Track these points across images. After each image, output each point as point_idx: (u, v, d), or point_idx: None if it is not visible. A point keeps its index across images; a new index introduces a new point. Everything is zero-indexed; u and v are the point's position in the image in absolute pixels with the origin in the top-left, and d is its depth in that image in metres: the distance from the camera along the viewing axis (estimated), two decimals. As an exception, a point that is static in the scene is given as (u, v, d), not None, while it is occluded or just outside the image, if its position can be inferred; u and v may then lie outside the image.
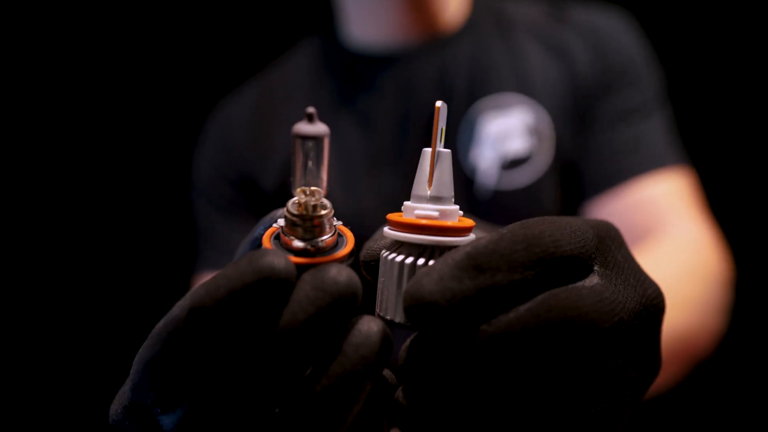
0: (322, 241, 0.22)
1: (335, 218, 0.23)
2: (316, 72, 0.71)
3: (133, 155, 1.06)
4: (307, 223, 0.22)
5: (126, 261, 1.06)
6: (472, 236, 0.23)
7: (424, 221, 0.23)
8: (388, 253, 0.23)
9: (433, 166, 0.24)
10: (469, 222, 0.24)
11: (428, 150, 0.24)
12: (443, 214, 0.23)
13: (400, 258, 0.23)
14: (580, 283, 0.20)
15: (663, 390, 0.53)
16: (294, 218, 0.22)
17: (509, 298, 0.19)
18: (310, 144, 0.21)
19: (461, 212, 0.24)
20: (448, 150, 0.24)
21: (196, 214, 0.72)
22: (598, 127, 0.64)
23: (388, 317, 0.23)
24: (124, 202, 1.07)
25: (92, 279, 1.05)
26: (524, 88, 0.64)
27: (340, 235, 0.23)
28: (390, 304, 0.23)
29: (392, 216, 0.24)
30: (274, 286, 0.19)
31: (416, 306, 0.19)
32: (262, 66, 0.76)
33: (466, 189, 0.62)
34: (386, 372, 0.23)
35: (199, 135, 0.75)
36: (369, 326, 0.20)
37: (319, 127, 0.21)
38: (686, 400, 0.57)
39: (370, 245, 0.26)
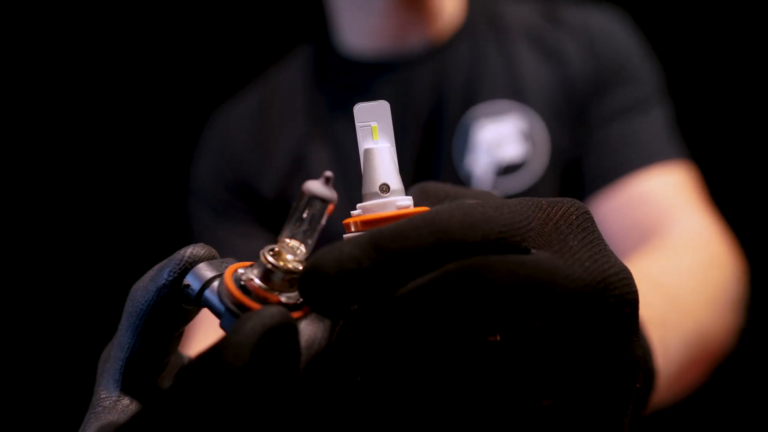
0: (286, 296, 0.22)
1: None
2: (313, 79, 0.72)
3: (131, 159, 1.08)
4: (287, 276, 0.21)
5: (125, 264, 1.07)
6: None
7: (348, 220, 0.23)
8: None
9: (361, 166, 0.24)
10: (396, 212, 0.23)
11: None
12: (364, 209, 0.23)
13: None
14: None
15: (687, 393, 0.51)
16: (274, 269, 0.21)
17: (410, 275, 0.18)
18: (316, 204, 0.21)
19: (405, 202, 0.23)
20: (381, 145, 0.24)
21: (194, 218, 0.73)
22: (596, 125, 0.64)
23: None
24: (123, 206, 1.08)
25: (90, 281, 1.06)
26: (518, 94, 0.65)
27: (300, 305, 0.23)
28: None
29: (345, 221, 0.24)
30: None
31: (309, 275, 0.18)
32: (259, 72, 0.78)
33: (462, 195, 0.62)
34: None
35: (197, 140, 0.76)
36: None
37: (331, 193, 0.21)
38: (695, 398, 0.57)
39: None
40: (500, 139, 0.63)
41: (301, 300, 0.22)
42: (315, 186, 0.21)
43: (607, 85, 0.65)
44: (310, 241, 0.22)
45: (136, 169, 1.09)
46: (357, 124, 0.24)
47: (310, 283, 0.18)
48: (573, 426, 0.19)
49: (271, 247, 0.22)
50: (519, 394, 0.19)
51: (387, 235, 0.18)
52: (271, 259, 0.21)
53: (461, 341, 0.18)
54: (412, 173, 0.64)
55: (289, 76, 0.74)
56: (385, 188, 0.24)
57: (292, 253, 0.22)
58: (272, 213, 0.68)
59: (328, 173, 0.21)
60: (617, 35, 0.67)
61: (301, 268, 0.22)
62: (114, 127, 1.08)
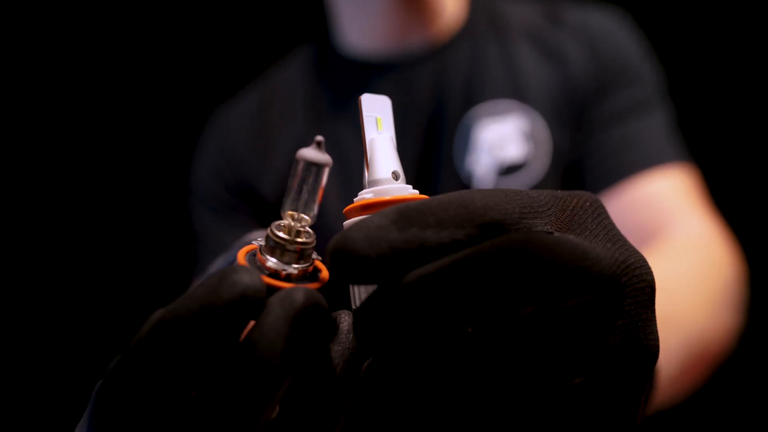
0: (294, 268, 0.22)
1: (315, 252, 0.23)
2: (313, 79, 0.72)
3: (131, 160, 1.08)
4: (288, 248, 0.22)
5: (125, 266, 1.07)
6: None
7: (358, 203, 0.23)
8: None
9: (366, 153, 0.24)
10: (416, 196, 0.23)
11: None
12: (377, 193, 0.23)
13: None
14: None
15: (686, 396, 0.52)
16: (275, 240, 0.22)
17: (440, 254, 0.18)
18: (312, 170, 0.21)
19: (415, 191, 0.24)
20: (385, 134, 0.25)
21: (194, 218, 0.72)
22: (597, 127, 0.64)
23: (354, 307, 0.23)
24: (124, 207, 1.08)
25: (91, 283, 1.07)
26: (519, 94, 0.64)
27: (316, 269, 0.23)
28: (353, 292, 0.23)
29: (345, 209, 0.24)
30: (244, 305, 0.19)
31: (340, 254, 0.18)
32: (259, 72, 0.78)
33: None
34: None
35: (197, 140, 0.76)
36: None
37: (325, 156, 0.21)
38: (695, 399, 0.57)
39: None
40: (501, 139, 0.63)
41: (312, 268, 0.23)
42: (309, 152, 0.21)
43: (608, 86, 0.65)
44: (312, 210, 0.22)
45: (136, 170, 1.09)
46: (363, 113, 0.24)
47: (342, 260, 0.18)
48: (598, 407, 0.19)
49: (276, 222, 0.22)
50: (556, 369, 0.19)
51: (415, 209, 0.18)
52: (280, 234, 0.22)
53: (500, 314, 0.18)
54: (413, 174, 0.64)
55: (289, 76, 0.74)
56: (396, 175, 0.24)
57: (299, 222, 0.22)
58: (273, 214, 0.68)
59: (319, 138, 0.21)
60: (618, 36, 0.67)
61: (305, 240, 0.22)
62: (114, 128, 1.08)
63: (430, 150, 0.65)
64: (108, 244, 1.09)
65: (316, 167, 0.22)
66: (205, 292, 0.19)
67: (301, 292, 0.19)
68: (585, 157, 0.64)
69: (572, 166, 0.64)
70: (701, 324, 0.49)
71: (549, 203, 0.20)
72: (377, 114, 0.25)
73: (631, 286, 0.19)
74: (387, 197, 0.23)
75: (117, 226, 1.09)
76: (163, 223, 1.06)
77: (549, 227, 0.20)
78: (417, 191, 0.24)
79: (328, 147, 0.69)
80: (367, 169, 0.24)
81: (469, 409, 0.19)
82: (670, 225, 0.57)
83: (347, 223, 0.23)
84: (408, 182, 0.24)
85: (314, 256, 0.23)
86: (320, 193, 0.22)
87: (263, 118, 0.72)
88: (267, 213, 0.68)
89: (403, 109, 0.66)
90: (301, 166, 0.21)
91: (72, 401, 1.04)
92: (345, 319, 0.22)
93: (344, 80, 0.70)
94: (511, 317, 0.18)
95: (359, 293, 0.22)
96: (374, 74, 0.68)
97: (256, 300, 0.19)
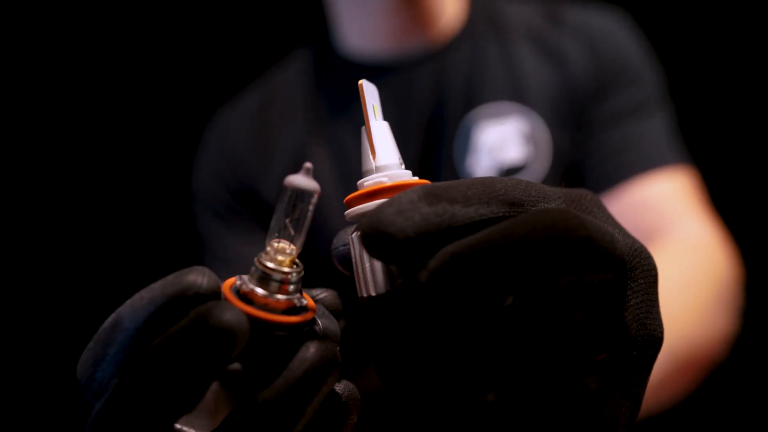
0: (281, 298, 0.21)
1: (301, 289, 0.23)
2: (313, 80, 0.71)
3: (132, 163, 1.08)
4: (275, 278, 0.21)
5: (126, 269, 1.07)
6: None
7: (371, 187, 0.22)
8: (353, 233, 0.23)
9: (371, 138, 0.24)
10: (423, 180, 0.23)
11: (365, 127, 0.24)
12: (392, 177, 0.23)
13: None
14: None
15: (679, 399, 0.52)
16: (260, 269, 0.21)
17: (470, 228, 0.19)
18: (299, 198, 0.21)
19: (415, 177, 0.24)
20: (385, 122, 0.25)
21: (198, 224, 0.72)
22: (597, 128, 0.64)
23: (365, 294, 0.22)
24: (125, 211, 1.08)
25: (93, 286, 1.06)
26: (520, 95, 0.64)
27: (303, 307, 0.22)
28: (364, 279, 0.22)
29: (347, 198, 0.24)
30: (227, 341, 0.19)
31: (375, 230, 0.18)
32: (258, 73, 0.77)
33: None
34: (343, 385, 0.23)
35: (198, 144, 0.76)
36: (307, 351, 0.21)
37: (313, 183, 0.21)
38: (692, 401, 0.57)
39: (339, 235, 0.25)
40: (502, 140, 0.63)
41: (305, 302, 0.22)
42: (297, 179, 0.21)
43: (609, 87, 0.64)
44: (299, 238, 0.22)
45: (137, 171, 1.09)
46: (366, 100, 0.24)
47: (376, 236, 0.18)
48: (612, 390, 0.20)
49: (263, 252, 0.22)
50: (585, 345, 0.19)
51: (441, 187, 0.19)
52: (268, 264, 0.21)
53: (540, 286, 0.18)
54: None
55: (288, 78, 0.73)
56: (401, 161, 0.24)
57: (283, 253, 0.22)
58: None
59: (308, 164, 0.21)
60: (618, 36, 0.67)
61: (294, 269, 0.22)
62: (114, 129, 1.08)
63: (431, 151, 0.65)
64: (109, 245, 1.09)
65: (306, 195, 0.21)
66: (190, 328, 0.19)
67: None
68: (585, 158, 0.64)
69: (572, 168, 0.64)
70: (689, 331, 0.49)
71: (558, 193, 0.21)
72: (374, 102, 0.25)
73: (640, 267, 0.21)
74: (406, 180, 0.23)
75: (118, 228, 1.09)
76: (165, 226, 1.06)
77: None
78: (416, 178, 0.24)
79: (329, 148, 0.69)
80: (373, 153, 0.24)
81: (503, 385, 0.19)
82: (669, 227, 0.57)
83: (356, 209, 0.23)
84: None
85: (303, 292, 0.23)
86: (308, 222, 0.22)
87: (263, 119, 0.72)
88: (268, 217, 0.68)
89: (403, 111, 0.66)
90: (288, 193, 0.21)
91: (72, 401, 1.05)
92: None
93: (344, 81, 0.70)
94: (549, 289, 0.18)
95: (372, 278, 0.22)
96: (374, 75, 0.68)
97: (241, 336, 0.19)
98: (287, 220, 0.21)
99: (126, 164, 1.09)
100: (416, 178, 0.24)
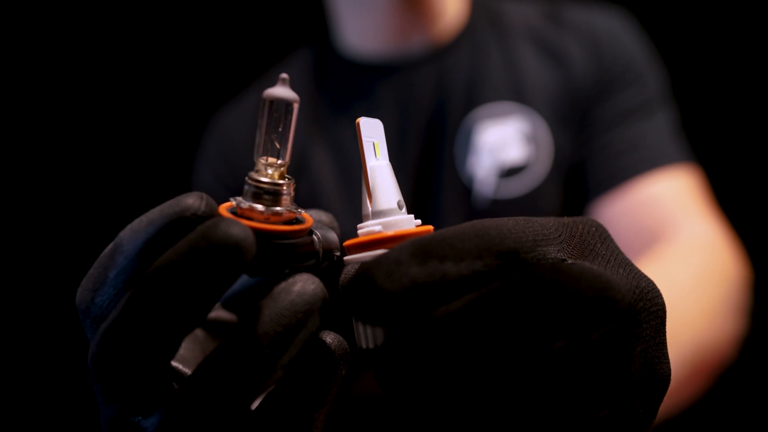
0: (272, 210, 0.21)
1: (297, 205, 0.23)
2: (313, 81, 0.71)
3: (132, 164, 1.08)
4: (269, 191, 0.21)
5: None
6: None
7: (365, 237, 0.22)
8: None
9: (368, 181, 0.23)
10: (425, 228, 0.23)
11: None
12: (386, 225, 0.23)
13: None
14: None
15: (690, 404, 0.51)
16: (253, 185, 0.21)
17: (461, 286, 0.18)
18: (279, 110, 0.21)
19: (418, 221, 0.23)
20: (384, 162, 0.24)
21: None
22: (600, 128, 0.63)
23: (363, 346, 0.22)
24: (125, 211, 1.07)
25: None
26: (521, 96, 0.64)
27: (298, 219, 0.22)
28: (364, 333, 0.22)
29: (346, 242, 0.23)
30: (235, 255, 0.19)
31: (360, 291, 0.18)
32: (258, 74, 0.77)
33: (464, 198, 0.62)
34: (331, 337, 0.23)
35: (198, 144, 0.76)
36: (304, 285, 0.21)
37: (291, 92, 0.21)
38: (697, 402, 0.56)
39: (347, 270, 0.25)
40: (503, 141, 0.62)
41: (298, 212, 0.22)
42: (276, 90, 0.21)
43: (611, 87, 0.64)
44: (285, 151, 0.22)
45: (137, 171, 1.09)
46: (363, 139, 0.23)
47: (362, 297, 0.18)
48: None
49: (251, 171, 0.22)
50: (586, 403, 0.18)
51: (432, 241, 0.18)
52: (262, 179, 0.21)
53: (532, 350, 0.18)
54: (413, 176, 0.63)
55: (289, 78, 0.73)
56: (400, 205, 0.23)
57: (273, 166, 0.22)
58: None
59: (284, 75, 0.21)
60: (621, 36, 0.67)
61: (286, 181, 0.22)
62: (114, 130, 1.08)
63: (431, 152, 0.64)
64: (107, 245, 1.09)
65: (285, 105, 0.21)
66: (195, 239, 0.19)
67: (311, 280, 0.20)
68: (587, 159, 0.63)
69: (574, 168, 0.63)
70: (699, 334, 0.48)
71: (558, 230, 0.20)
72: (374, 139, 0.24)
73: (646, 311, 0.19)
74: (398, 231, 0.22)
75: (118, 228, 1.09)
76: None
77: (562, 254, 0.20)
78: (420, 221, 0.23)
79: (329, 148, 0.69)
80: (369, 198, 0.23)
81: None
82: (674, 227, 0.57)
83: (350, 258, 0.23)
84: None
85: (297, 210, 0.23)
86: (291, 131, 0.21)
87: None
88: None
89: (403, 111, 0.65)
90: (267, 107, 0.21)
91: (72, 401, 1.05)
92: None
93: (344, 82, 0.69)
94: (543, 353, 0.18)
95: (367, 331, 0.22)
96: (374, 76, 0.68)
97: (249, 248, 0.19)
98: (272, 135, 0.21)
99: (126, 164, 1.09)
100: (414, 225, 0.23)
